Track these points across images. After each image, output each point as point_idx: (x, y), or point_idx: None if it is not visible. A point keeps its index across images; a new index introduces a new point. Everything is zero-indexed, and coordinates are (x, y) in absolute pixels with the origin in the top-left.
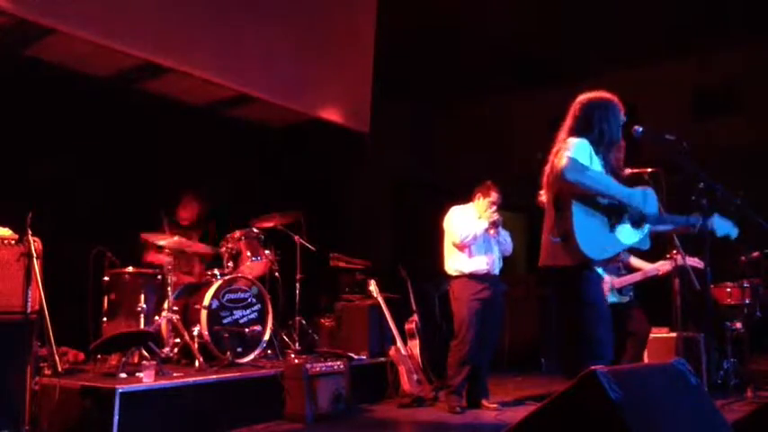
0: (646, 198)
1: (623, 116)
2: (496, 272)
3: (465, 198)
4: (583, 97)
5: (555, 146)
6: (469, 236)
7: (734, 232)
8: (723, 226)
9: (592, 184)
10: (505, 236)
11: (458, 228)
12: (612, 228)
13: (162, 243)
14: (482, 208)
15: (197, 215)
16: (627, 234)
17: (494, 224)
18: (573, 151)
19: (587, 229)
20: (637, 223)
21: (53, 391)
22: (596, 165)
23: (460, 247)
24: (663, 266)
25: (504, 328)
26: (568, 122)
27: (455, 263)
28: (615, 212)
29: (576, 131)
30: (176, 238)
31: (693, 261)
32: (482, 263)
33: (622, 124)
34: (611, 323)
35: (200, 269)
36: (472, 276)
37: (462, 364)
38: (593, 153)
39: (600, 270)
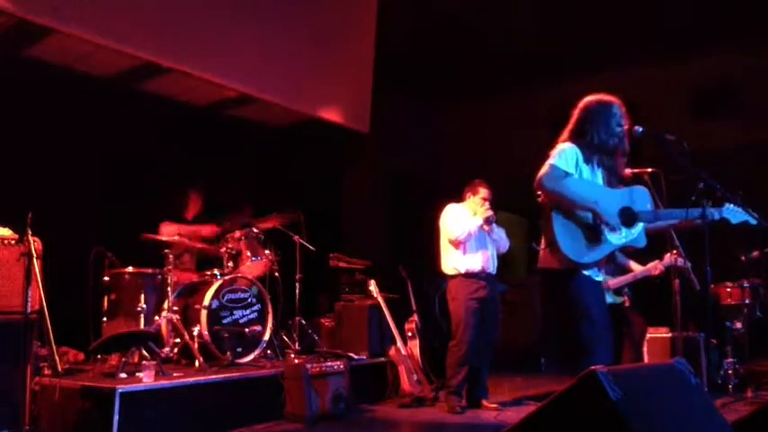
0: (632, 197)
1: (623, 123)
2: (492, 270)
3: (462, 198)
4: (584, 100)
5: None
6: (465, 232)
7: (752, 219)
8: (737, 214)
9: (565, 193)
10: (500, 232)
11: (453, 225)
12: (597, 233)
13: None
14: (474, 206)
15: (200, 211)
16: (615, 236)
17: (487, 220)
18: (556, 158)
19: (570, 234)
20: (620, 228)
21: (53, 391)
22: (585, 171)
23: (456, 243)
24: (655, 268)
25: (505, 329)
26: (569, 125)
27: (451, 261)
28: (595, 221)
29: (572, 135)
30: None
31: (689, 264)
32: (477, 260)
33: (622, 131)
34: (607, 324)
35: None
36: (468, 275)
37: (461, 364)
38: (581, 159)
39: (594, 273)
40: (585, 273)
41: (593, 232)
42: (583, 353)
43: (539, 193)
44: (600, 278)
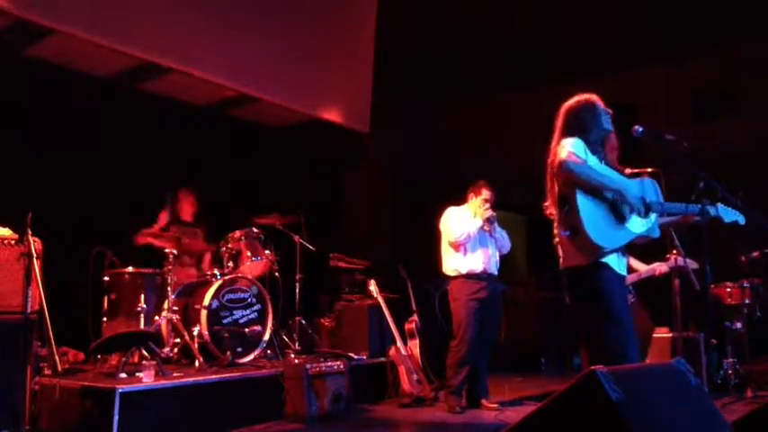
0: (643, 188)
1: (607, 110)
2: (494, 271)
3: (465, 198)
4: (564, 106)
5: (550, 154)
6: (465, 233)
7: (741, 219)
8: (729, 213)
9: (592, 174)
10: (501, 233)
11: (453, 227)
12: (620, 218)
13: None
14: (476, 206)
15: (195, 211)
16: (636, 223)
17: (488, 221)
18: (571, 146)
19: (595, 219)
20: (642, 212)
21: (53, 391)
22: (592, 161)
23: (456, 245)
24: (659, 267)
25: (505, 329)
26: (557, 132)
27: (452, 263)
28: (618, 204)
29: (566, 135)
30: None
31: (692, 264)
32: (478, 261)
33: (609, 117)
34: (632, 325)
35: (206, 265)
36: (469, 276)
37: (461, 364)
38: (588, 152)
39: (614, 262)
40: (611, 266)
41: (615, 216)
42: (612, 356)
43: (546, 204)
44: (624, 272)
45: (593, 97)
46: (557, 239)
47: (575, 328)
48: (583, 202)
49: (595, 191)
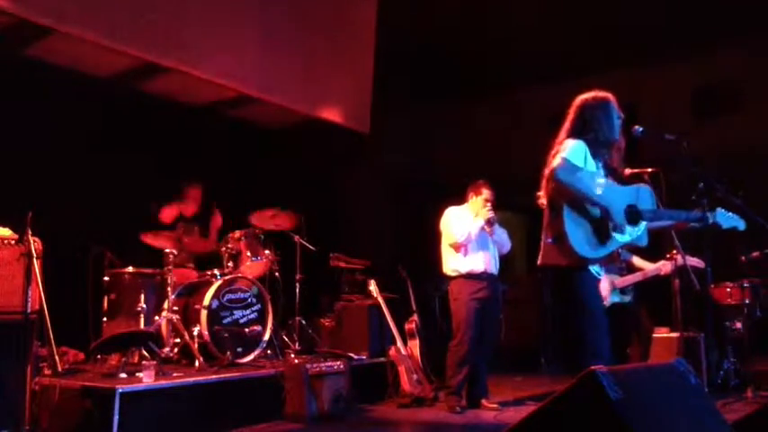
0: (639, 195)
1: (620, 114)
2: (494, 271)
3: (465, 198)
4: (580, 99)
5: (553, 148)
6: (466, 234)
7: (741, 224)
8: (728, 219)
9: (580, 187)
10: (501, 233)
11: (454, 228)
12: (603, 232)
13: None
14: (477, 206)
15: (198, 209)
16: (621, 232)
17: (489, 222)
18: (568, 152)
19: (579, 228)
20: (624, 230)
21: (53, 391)
22: (591, 166)
23: (457, 247)
24: (664, 267)
25: (504, 328)
26: (566, 124)
27: (452, 263)
28: (603, 220)
29: (573, 133)
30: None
31: (694, 261)
32: (479, 262)
33: (620, 123)
34: (606, 323)
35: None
36: (470, 276)
37: (461, 364)
38: (588, 154)
39: (595, 269)
40: (590, 269)
41: (600, 228)
42: (586, 354)
43: (540, 194)
44: (601, 275)
45: (610, 97)
46: (543, 237)
47: (555, 321)
48: (569, 212)
49: (582, 203)
